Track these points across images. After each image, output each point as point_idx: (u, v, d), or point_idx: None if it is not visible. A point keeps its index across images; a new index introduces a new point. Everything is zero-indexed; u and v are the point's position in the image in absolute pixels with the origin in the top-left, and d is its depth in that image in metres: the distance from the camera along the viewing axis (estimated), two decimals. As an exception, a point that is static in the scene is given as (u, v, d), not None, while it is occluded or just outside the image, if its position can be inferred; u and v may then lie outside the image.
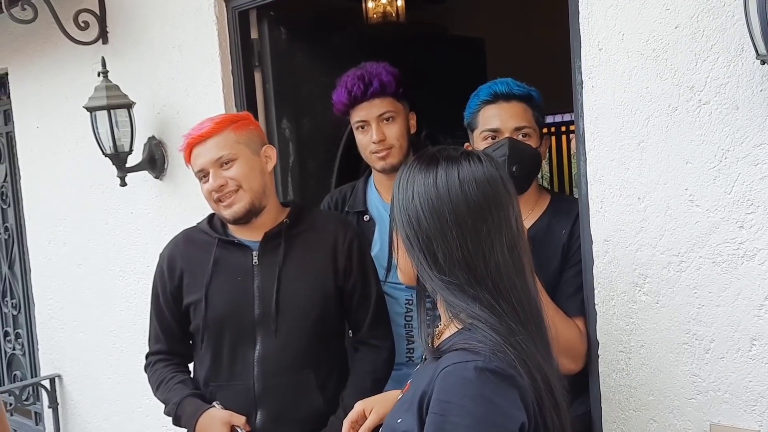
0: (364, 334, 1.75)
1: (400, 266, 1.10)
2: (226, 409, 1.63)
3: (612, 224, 1.43)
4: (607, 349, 1.46)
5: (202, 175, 1.65)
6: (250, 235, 1.68)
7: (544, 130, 1.71)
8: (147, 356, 1.78)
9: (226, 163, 1.62)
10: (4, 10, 2.31)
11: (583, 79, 1.45)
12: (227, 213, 1.65)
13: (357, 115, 1.92)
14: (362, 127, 1.92)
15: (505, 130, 1.60)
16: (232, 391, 1.66)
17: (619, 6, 1.38)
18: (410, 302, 1.97)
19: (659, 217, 1.37)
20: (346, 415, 1.53)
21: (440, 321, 1.08)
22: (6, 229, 3.45)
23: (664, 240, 1.36)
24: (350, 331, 1.82)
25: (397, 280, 1.91)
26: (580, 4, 1.43)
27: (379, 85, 1.89)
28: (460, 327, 1.02)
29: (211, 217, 1.76)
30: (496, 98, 1.65)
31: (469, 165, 1.04)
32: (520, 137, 1.59)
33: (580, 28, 1.43)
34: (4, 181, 3.42)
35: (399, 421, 1.04)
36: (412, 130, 1.98)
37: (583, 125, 1.46)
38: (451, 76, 2.66)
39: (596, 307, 1.46)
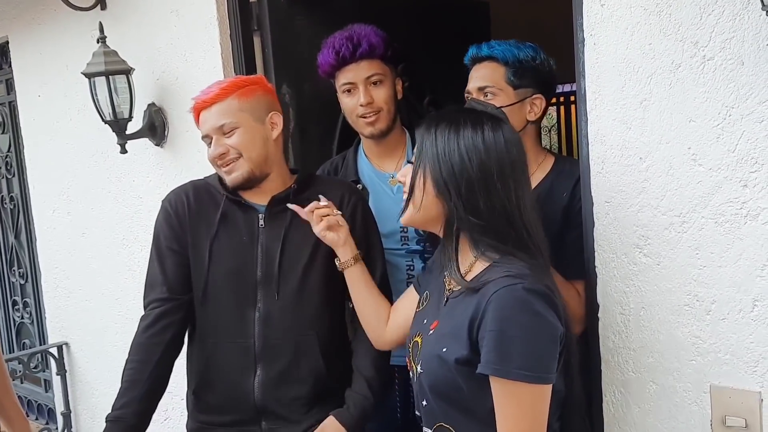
0: None
1: (424, 205, 1.23)
2: (227, 364, 1.64)
3: (613, 185, 1.41)
4: (606, 311, 1.45)
5: (208, 140, 1.64)
6: (257, 199, 1.67)
7: (554, 101, 1.71)
8: (145, 306, 1.68)
9: (228, 131, 1.60)
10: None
11: (585, 36, 1.41)
12: (228, 179, 1.64)
13: (344, 77, 1.89)
14: (349, 90, 1.89)
15: (473, 90, 1.66)
16: (232, 348, 1.64)
17: (622, -41, 1.34)
18: (411, 267, 1.96)
19: (661, 178, 1.34)
20: (371, 390, 1.65)
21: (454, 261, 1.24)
22: (12, 198, 3.46)
23: (666, 200, 1.34)
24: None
25: (396, 246, 1.93)
26: (581, -42, 1.39)
27: (368, 47, 1.85)
28: (488, 264, 1.19)
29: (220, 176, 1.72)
30: (472, 61, 1.71)
31: (509, 128, 1.22)
32: (482, 97, 1.62)
33: (582, -17, 1.39)
34: (8, 151, 3.42)
35: (444, 350, 1.18)
36: (399, 96, 1.95)
37: (585, 84, 1.42)
38: (454, 41, 2.61)
39: (596, 269, 1.45)
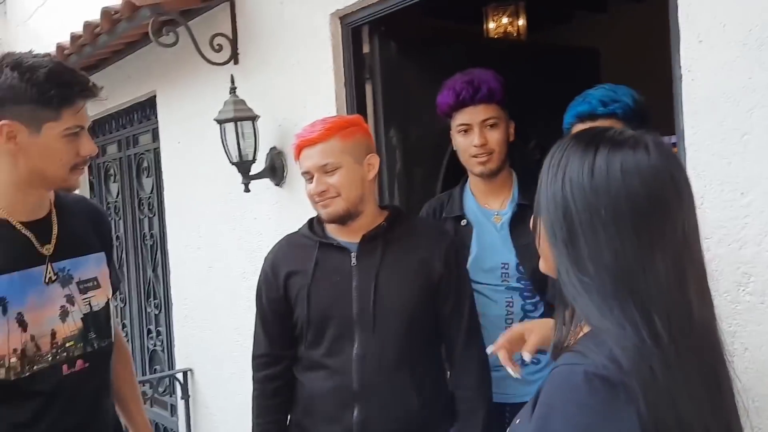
0: (458, 355, 1.76)
1: (543, 255, 0.99)
2: (327, 400, 1.72)
3: (713, 221, 1.37)
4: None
5: (308, 176, 1.75)
6: (348, 237, 1.74)
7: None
8: (252, 359, 1.86)
9: (330, 171, 1.68)
10: (152, 37, 2.61)
11: (682, 72, 1.41)
12: (324, 213, 1.72)
13: (461, 118, 1.96)
14: (465, 131, 1.96)
15: None
16: (331, 385, 1.71)
17: (719, -5, 1.34)
18: (510, 304, 1.97)
19: (764, 213, 1.30)
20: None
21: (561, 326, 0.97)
22: (152, 235, 3.82)
23: (770, 237, 1.29)
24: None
25: (496, 281, 1.95)
26: (678, -4, 1.41)
27: (487, 91, 1.93)
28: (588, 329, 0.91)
29: (310, 222, 1.83)
30: (589, 117, 1.68)
31: (634, 153, 0.87)
32: None
33: (679, 19, 1.40)
34: (151, 193, 3.80)
35: (518, 421, 0.99)
36: (511, 138, 2.00)
37: (682, 120, 1.42)
38: (563, 86, 2.64)
39: (696, 307, 1.40)
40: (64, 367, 1.51)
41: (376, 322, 1.68)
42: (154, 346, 3.89)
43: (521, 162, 2.06)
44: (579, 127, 1.67)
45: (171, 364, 3.64)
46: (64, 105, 1.42)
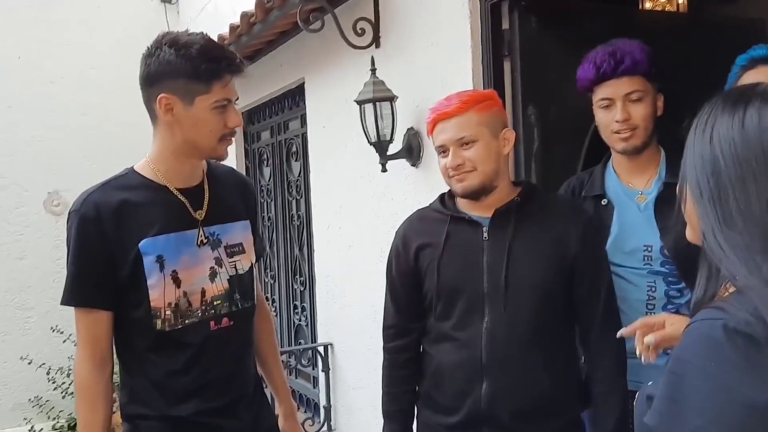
0: (595, 338, 1.71)
1: (689, 221, 0.96)
2: (456, 372, 1.73)
3: None
4: None
5: (442, 150, 1.74)
6: (481, 212, 1.72)
7: None
8: (383, 330, 1.89)
9: (467, 144, 1.67)
10: (299, 23, 2.74)
11: None
12: (458, 187, 1.71)
13: (602, 92, 1.87)
14: (606, 106, 1.87)
15: None
16: (460, 358, 1.70)
17: None
18: (652, 289, 1.86)
19: None
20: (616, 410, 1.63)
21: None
22: (299, 216, 4.03)
23: None
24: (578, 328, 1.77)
25: (638, 264, 1.85)
26: None
27: (631, 63, 1.82)
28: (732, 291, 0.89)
29: (442, 196, 1.83)
30: (754, 63, 1.55)
31: None
32: None
33: None
34: (299, 176, 4.00)
35: (650, 383, 0.98)
36: (659, 113, 1.88)
37: None
38: (725, 61, 2.43)
39: None
40: (212, 323, 1.64)
41: (507, 299, 1.66)
42: (299, 320, 4.11)
43: (670, 138, 1.93)
44: (749, 74, 1.55)
45: (314, 338, 3.83)
46: (214, 78, 1.54)
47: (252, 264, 1.77)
